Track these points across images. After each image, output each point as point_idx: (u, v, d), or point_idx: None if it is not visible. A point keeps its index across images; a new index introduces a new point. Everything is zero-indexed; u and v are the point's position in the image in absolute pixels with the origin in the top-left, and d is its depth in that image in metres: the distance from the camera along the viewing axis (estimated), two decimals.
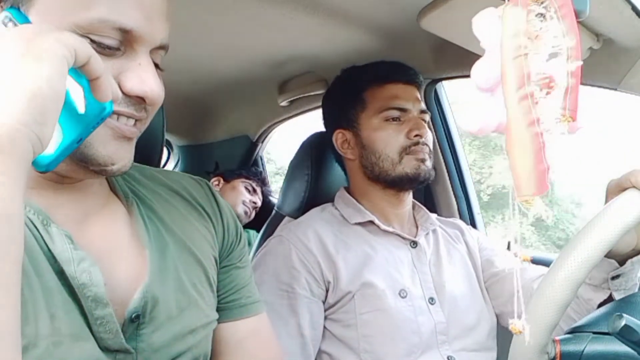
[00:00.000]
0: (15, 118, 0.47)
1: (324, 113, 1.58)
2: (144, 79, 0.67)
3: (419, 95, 1.45)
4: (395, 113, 1.39)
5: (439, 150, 1.88)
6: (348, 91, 1.47)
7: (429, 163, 1.40)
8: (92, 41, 0.63)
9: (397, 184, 1.40)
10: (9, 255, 0.46)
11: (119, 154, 0.69)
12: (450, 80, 1.77)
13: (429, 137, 1.42)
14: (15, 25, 0.61)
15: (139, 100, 0.68)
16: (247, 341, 0.91)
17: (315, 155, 1.63)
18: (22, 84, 0.49)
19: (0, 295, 0.45)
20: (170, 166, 2.93)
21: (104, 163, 0.67)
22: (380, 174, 1.40)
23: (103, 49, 0.64)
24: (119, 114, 0.67)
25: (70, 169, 0.67)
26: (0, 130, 0.46)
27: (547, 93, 0.54)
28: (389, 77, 1.44)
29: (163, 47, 0.72)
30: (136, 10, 0.65)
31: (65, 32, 0.54)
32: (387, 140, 1.38)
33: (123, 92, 0.66)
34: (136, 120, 0.70)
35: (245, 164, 2.65)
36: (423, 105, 1.44)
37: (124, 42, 0.66)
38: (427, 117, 1.44)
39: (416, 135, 1.38)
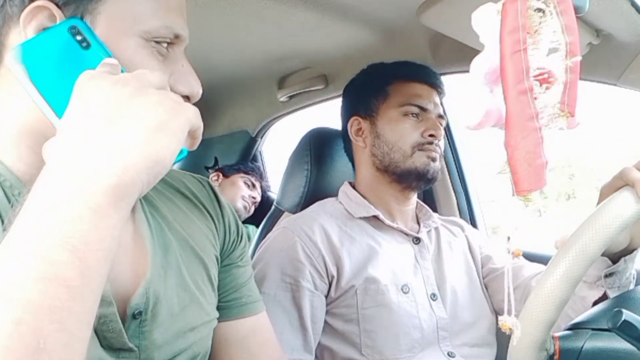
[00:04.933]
0: (140, 175, 0.52)
1: (343, 100, 1.59)
2: (190, 80, 0.73)
3: (439, 101, 1.46)
4: (415, 110, 1.40)
5: None
6: (372, 82, 1.48)
7: (438, 163, 1.41)
8: (157, 44, 0.69)
9: (405, 178, 1.40)
10: (100, 290, 0.51)
11: None
12: (449, 75, 1.77)
13: (441, 142, 1.43)
14: (84, 39, 0.62)
15: (185, 100, 0.72)
16: (247, 340, 0.91)
17: (314, 150, 1.62)
18: (157, 151, 0.53)
19: (85, 327, 0.49)
20: None
21: None
22: (389, 165, 1.40)
23: (160, 53, 0.70)
24: None
25: None
26: (127, 180, 0.51)
27: (547, 88, 0.54)
28: (415, 76, 1.45)
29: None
30: (181, 17, 0.72)
31: (190, 108, 0.58)
32: (402, 133, 1.39)
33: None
34: None
35: (244, 159, 2.64)
36: (441, 111, 1.45)
37: (171, 45, 0.71)
38: (444, 122, 1.45)
39: (431, 135, 1.39)
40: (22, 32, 0.63)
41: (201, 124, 0.61)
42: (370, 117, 1.45)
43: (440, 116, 1.44)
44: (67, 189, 0.49)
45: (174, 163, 0.60)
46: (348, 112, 1.52)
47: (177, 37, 0.71)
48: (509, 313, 0.65)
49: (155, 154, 0.53)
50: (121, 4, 0.66)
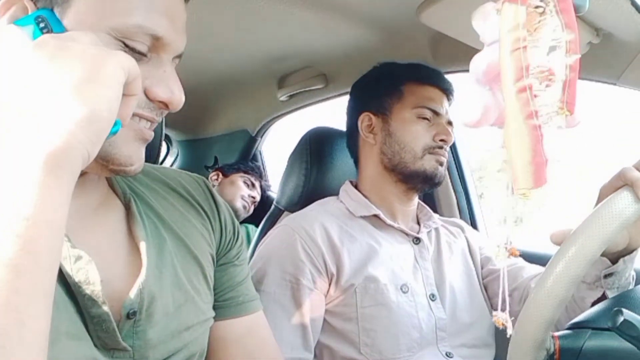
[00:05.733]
0: (75, 136, 0.50)
1: (352, 95, 1.59)
2: (170, 87, 0.70)
3: (448, 107, 1.47)
4: (428, 113, 1.41)
5: None
6: (386, 80, 1.48)
7: (444, 168, 1.43)
8: (126, 45, 0.65)
9: (411, 179, 1.41)
10: (52, 266, 0.49)
11: (137, 155, 0.71)
12: (449, 74, 1.77)
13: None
14: (48, 29, 0.62)
15: (162, 106, 0.71)
16: (244, 339, 0.91)
17: (314, 150, 1.62)
18: (86, 106, 0.51)
19: (39, 306, 0.47)
20: (169, 161, 2.93)
21: (124, 163, 0.69)
22: (398, 164, 1.41)
23: (134, 54, 0.66)
24: (141, 117, 0.70)
25: (90, 165, 0.67)
26: (62, 145, 0.49)
27: (547, 86, 0.54)
28: (430, 79, 1.46)
29: (180, 56, 0.75)
30: (167, 20, 0.68)
31: (121, 54, 0.57)
32: (415, 134, 1.40)
33: (148, 97, 0.69)
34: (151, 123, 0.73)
35: (244, 158, 2.64)
36: (451, 117, 1.46)
37: (152, 48, 0.68)
38: (452, 129, 1.46)
39: (442, 140, 1.40)
40: None
41: (138, 72, 0.59)
42: (383, 115, 1.45)
43: (449, 122, 1.45)
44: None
45: (110, 135, 0.58)
46: (358, 108, 1.52)
47: (157, 39, 0.67)
48: (503, 309, 0.65)
49: (88, 110, 0.51)
50: None
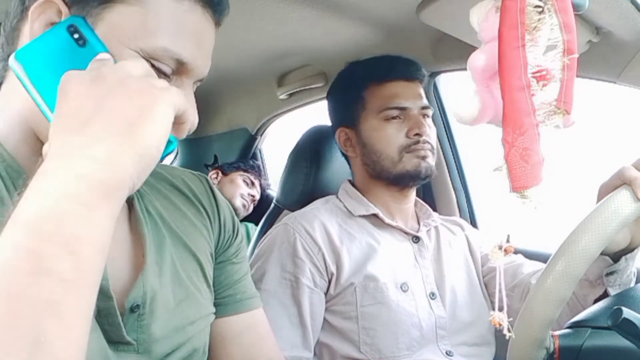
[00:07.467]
0: (126, 170, 0.53)
1: (328, 109, 1.57)
2: (187, 110, 0.70)
3: (421, 92, 1.43)
4: (395, 112, 1.38)
5: (438, 145, 1.86)
6: (349, 89, 1.46)
7: (430, 160, 1.39)
8: (152, 65, 0.66)
9: (399, 181, 1.40)
10: (96, 282, 0.51)
11: None
12: (450, 73, 1.77)
13: (431, 133, 1.40)
14: (83, 40, 0.63)
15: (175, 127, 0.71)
16: (243, 336, 0.92)
17: (314, 148, 1.62)
18: (139, 144, 0.54)
19: (83, 321, 0.48)
20: (169, 159, 2.93)
21: None
22: (381, 172, 1.40)
23: (159, 74, 0.67)
24: None
25: None
26: (116, 177, 0.52)
27: (544, 85, 0.54)
28: (389, 75, 1.42)
29: (201, 80, 0.76)
30: (193, 45, 0.70)
31: (173, 90, 0.59)
32: (386, 140, 1.38)
33: None
34: None
35: (244, 156, 2.64)
36: (425, 101, 1.42)
37: (176, 71, 0.70)
38: (430, 112, 1.42)
39: (416, 134, 1.36)
40: (29, 25, 0.65)
41: (186, 106, 0.61)
42: (354, 127, 1.44)
43: (424, 108, 1.41)
44: (56, 187, 0.50)
45: (164, 155, 0.60)
46: (335, 123, 1.52)
47: (181, 64, 0.69)
48: (500, 309, 0.65)
49: (140, 145, 0.54)
50: (126, 16, 0.66)
